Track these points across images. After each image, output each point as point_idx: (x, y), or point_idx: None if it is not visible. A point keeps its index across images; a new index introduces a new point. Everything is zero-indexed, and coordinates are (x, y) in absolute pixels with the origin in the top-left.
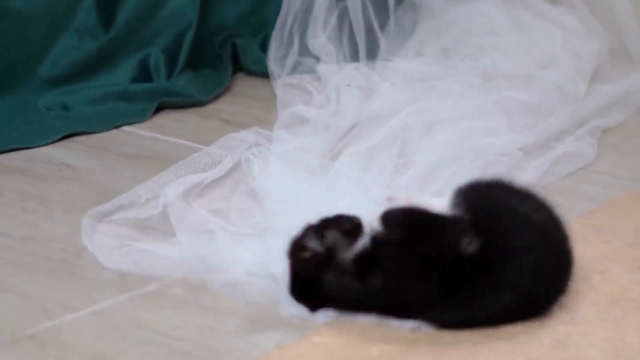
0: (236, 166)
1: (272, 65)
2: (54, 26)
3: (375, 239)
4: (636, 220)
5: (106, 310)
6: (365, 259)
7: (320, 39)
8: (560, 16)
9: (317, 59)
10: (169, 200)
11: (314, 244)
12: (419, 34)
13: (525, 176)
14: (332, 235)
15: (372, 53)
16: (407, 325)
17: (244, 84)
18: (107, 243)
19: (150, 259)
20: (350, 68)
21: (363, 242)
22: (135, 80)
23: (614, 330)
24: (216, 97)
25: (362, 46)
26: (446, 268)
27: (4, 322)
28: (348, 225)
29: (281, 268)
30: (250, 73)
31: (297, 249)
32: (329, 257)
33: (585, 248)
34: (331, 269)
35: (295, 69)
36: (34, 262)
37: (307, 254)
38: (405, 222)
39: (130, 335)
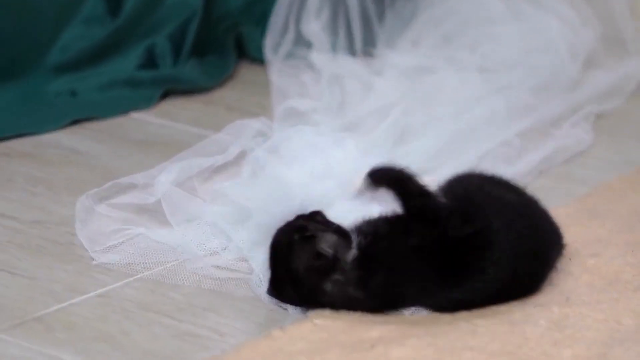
0: (242, 153)
1: (268, 52)
2: (62, 15)
3: (367, 237)
4: (630, 203)
5: (113, 293)
6: (364, 262)
7: (313, 27)
8: (556, 5)
9: (311, 46)
10: (163, 187)
11: (326, 249)
12: (418, 23)
13: (523, 163)
14: (333, 239)
15: (369, 43)
16: (406, 310)
17: (247, 72)
18: (104, 227)
19: (145, 246)
20: (345, 59)
21: (355, 244)
22: (141, 67)
23: (609, 312)
24: (221, 84)
25: (358, 36)
26: (437, 255)
27: (12, 305)
28: (338, 226)
29: (261, 260)
30: (254, 61)
31: (307, 253)
32: (333, 264)
33: (580, 231)
34: (332, 278)
35: (290, 56)
36: (42, 246)
37: (317, 263)
38: (391, 181)
39: (137, 317)
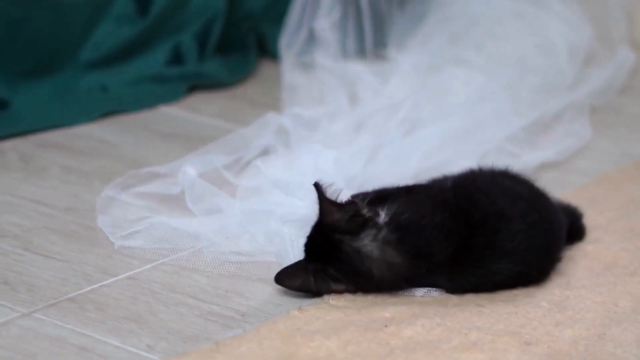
0: (266, 148)
1: (283, 49)
2: (94, 14)
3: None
4: (627, 192)
5: (141, 275)
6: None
7: (325, 28)
8: (557, 6)
9: (322, 47)
10: (187, 178)
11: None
12: (428, 23)
13: (528, 156)
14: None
15: (380, 43)
16: (418, 292)
17: (268, 69)
18: (128, 214)
19: (168, 232)
20: (355, 62)
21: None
22: (168, 64)
23: (607, 295)
24: (243, 80)
25: (369, 36)
26: (456, 236)
27: (47, 286)
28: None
29: (279, 247)
30: (274, 58)
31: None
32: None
33: None
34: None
35: (303, 53)
36: (75, 231)
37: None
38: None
39: (163, 298)
